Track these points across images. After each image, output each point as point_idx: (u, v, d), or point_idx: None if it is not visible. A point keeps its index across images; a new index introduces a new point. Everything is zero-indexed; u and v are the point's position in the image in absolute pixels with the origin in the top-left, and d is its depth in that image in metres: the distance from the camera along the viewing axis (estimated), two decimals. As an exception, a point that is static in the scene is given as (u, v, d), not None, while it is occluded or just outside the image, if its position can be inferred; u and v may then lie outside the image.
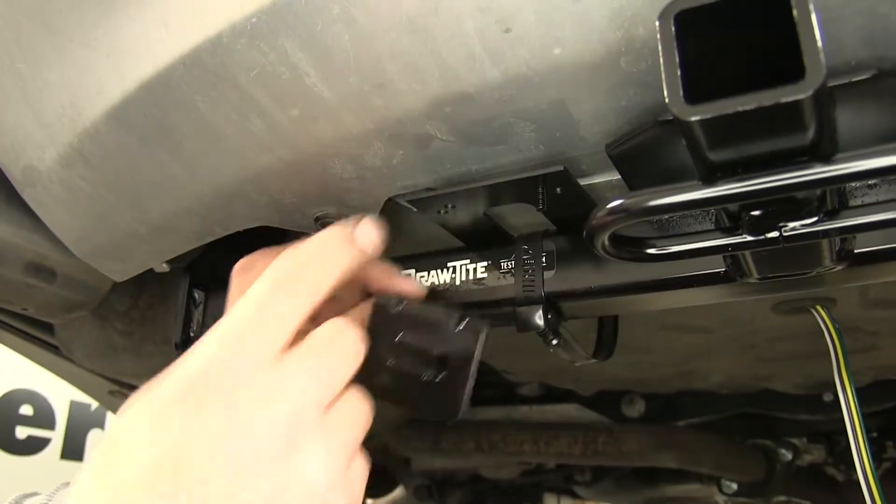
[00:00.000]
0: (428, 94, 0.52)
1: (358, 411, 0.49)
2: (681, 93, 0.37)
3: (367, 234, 0.54)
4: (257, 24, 0.50)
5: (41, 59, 0.64)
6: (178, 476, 0.41)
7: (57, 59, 0.63)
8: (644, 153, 0.52)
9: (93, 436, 3.02)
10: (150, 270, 0.85)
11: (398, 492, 2.18)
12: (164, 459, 0.42)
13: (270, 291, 0.48)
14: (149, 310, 1.05)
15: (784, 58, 0.38)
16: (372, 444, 1.95)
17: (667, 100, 0.37)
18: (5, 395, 2.73)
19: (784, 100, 0.35)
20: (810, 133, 0.39)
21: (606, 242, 0.47)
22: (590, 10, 0.45)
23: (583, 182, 0.60)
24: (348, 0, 0.48)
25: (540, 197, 0.58)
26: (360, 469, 0.49)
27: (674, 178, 0.47)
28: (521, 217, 0.66)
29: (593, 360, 0.73)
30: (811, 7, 0.36)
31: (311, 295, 0.49)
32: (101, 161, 0.67)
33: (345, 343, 0.49)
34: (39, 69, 0.64)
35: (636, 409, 1.65)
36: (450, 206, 0.62)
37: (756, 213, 0.45)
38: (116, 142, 0.64)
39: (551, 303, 0.62)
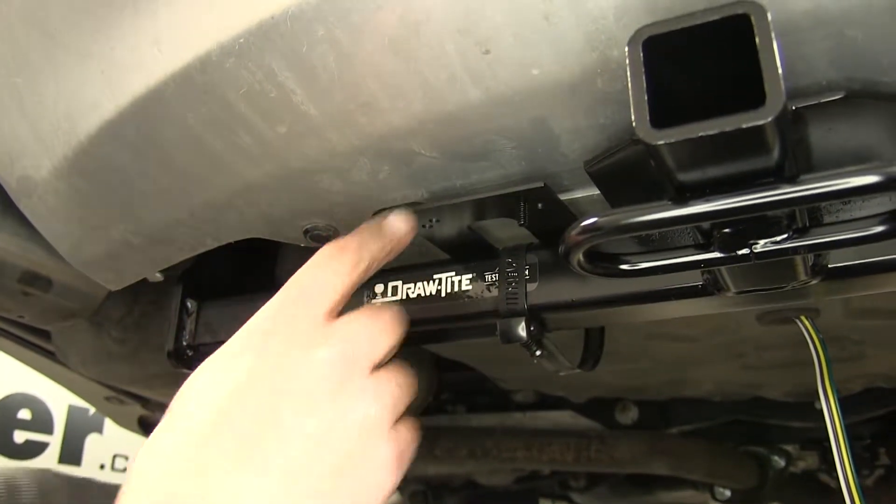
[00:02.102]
0: (411, 113, 0.53)
1: (404, 377, 0.55)
2: (647, 117, 0.38)
3: (395, 224, 0.62)
4: (245, 44, 0.52)
5: (38, 72, 0.65)
6: (234, 413, 0.48)
7: (53, 73, 0.64)
8: (621, 170, 0.53)
9: (91, 440, 3.03)
10: (145, 279, 0.86)
11: (394, 497, 2.19)
12: (226, 401, 0.49)
13: (315, 267, 0.58)
14: (143, 317, 1.07)
15: (751, 81, 0.39)
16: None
17: (634, 124, 0.38)
18: (3, 399, 2.74)
19: (745, 125, 0.36)
20: (775, 155, 0.40)
21: (581, 259, 0.48)
22: (566, 33, 0.47)
23: (565, 197, 0.62)
24: (332, 22, 0.49)
25: (521, 212, 0.59)
26: (409, 430, 0.54)
27: (651, 194, 0.48)
28: (506, 230, 0.68)
29: (577, 371, 0.74)
30: (773, 35, 0.38)
31: (349, 273, 0.57)
32: (96, 173, 0.69)
33: (386, 313, 0.57)
34: (36, 82, 0.66)
35: (629, 416, 1.66)
36: (434, 220, 0.63)
37: (727, 230, 0.46)
38: (110, 155, 0.66)
39: (534, 315, 0.63)
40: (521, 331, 0.62)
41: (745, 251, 0.47)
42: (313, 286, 0.56)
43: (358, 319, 0.55)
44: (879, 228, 0.45)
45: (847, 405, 1.47)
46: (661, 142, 0.37)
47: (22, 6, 0.61)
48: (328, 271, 0.57)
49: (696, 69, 0.43)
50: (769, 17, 0.38)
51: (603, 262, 0.50)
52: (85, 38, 0.60)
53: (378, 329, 0.55)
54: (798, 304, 0.80)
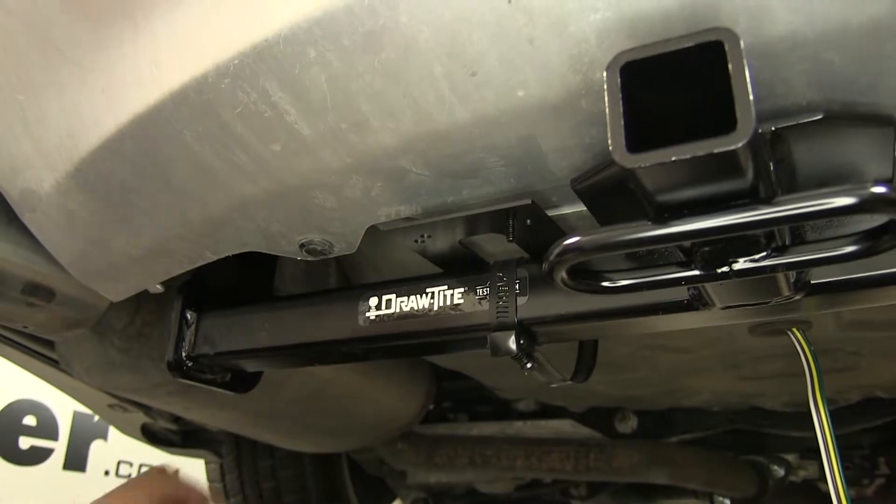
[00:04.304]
0: (401, 132, 0.55)
1: None
2: (623, 142, 0.39)
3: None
4: (240, 66, 0.53)
5: (41, 91, 0.67)
6: None
7: (55, 91, 0.66)
8: (607, 188, 0.54)
9: (95, 446, 3.05)
10: (146, 290, 0.88)
11: (395, 504, 2.20)
12: None
13: None
14: (145, 327, 1.08)
15: (728, 104, 0.40)
16: (368, 457, 1.97)
17: (610, 148, 0.40)
18: (9, 405, 2.76)
19: (717, 150, 0.38)
20: (749, 177, 0.41)
21: (565, 276, 0.49)
22: (550, 56, 0.48)
23: (554, 213, 0.63)
24: (324, 45, 0.50)
25: (510, 228, 0.60)
26: None
27: (637, 211, 0.50)
28: (498, 245, 0.69)
29: (569, 382, 0.75)
30: (745, 62, 0.39)
31: None
32: (96, 188, 0.70)
33: None
34: (39, 101, 0.67)
35: (629, 425, 1.67)
36: (426, 235, 0.65)
37: (707, 249, 0.48)
38: (111, 171, 0.67)
39: (524, 328, 0.65)
40: (512, 344, 0.64)
41: (724, 269, 0.49)
42: None
43: None
44: (853, 248, 0.46)
45: (844, 415, 1.48)
46: (637, 165, 0.39)
47: (28, 25, 0.63)
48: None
49: (675, 92, 0.44)
50: (742, 44, 0.39)
51: (586, 278, 0.52)
52: (87, 57, 0.62)
53: None
54: (785, 317, 0.81)
